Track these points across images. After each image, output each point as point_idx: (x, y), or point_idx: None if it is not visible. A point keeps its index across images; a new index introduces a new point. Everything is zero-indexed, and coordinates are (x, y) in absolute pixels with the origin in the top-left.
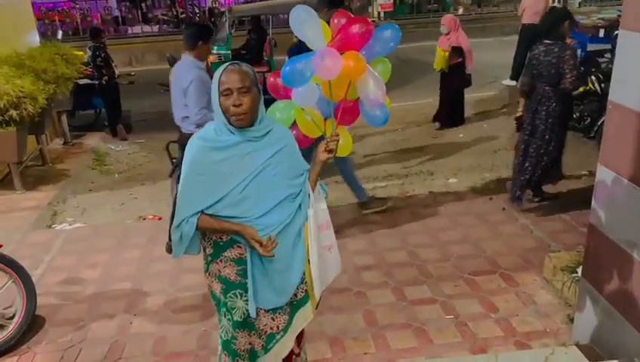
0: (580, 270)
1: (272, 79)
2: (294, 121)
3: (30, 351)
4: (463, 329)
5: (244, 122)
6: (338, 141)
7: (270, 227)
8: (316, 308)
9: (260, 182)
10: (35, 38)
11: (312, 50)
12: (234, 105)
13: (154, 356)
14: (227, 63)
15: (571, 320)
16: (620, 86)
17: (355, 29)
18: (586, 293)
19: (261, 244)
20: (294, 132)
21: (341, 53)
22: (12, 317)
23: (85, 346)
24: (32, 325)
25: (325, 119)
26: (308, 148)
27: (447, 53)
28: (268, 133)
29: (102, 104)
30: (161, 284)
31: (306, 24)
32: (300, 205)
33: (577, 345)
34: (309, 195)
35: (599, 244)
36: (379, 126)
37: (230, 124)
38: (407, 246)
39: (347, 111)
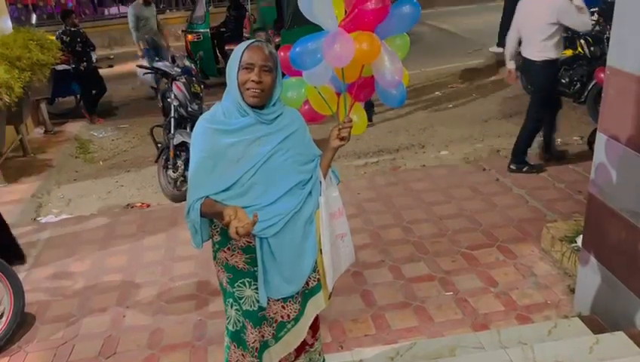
0: (578, 239)
1: (282, 54)
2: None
3: (21, 350)
4: (464, 304)
5: (258, 100)
6: (351, 128)
7: (280, 215)
8: (329, 298)
9: (269, 168)
10: (7, 24)
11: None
12: (253, 80)
13: (149, 349)
14: (250, 41)
15: (572, 290)
16: (618, 50)
17: (371, 5)
18: (587, 263)
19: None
20: (306, 107)
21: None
22: (0, 317)
23: (78, 342)
24: (22, 323)
25: (338, 94)
26: None
27: None
28: (278, 117)
29: (81, 90)
30: (153, 274)
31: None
32: (310, 192)
33: (580, 316)
34: (320, 182)
35: (600, 213)
36: (395, 106)
37: (243, 100)
38: (402, 222)
39: (362, 86)
